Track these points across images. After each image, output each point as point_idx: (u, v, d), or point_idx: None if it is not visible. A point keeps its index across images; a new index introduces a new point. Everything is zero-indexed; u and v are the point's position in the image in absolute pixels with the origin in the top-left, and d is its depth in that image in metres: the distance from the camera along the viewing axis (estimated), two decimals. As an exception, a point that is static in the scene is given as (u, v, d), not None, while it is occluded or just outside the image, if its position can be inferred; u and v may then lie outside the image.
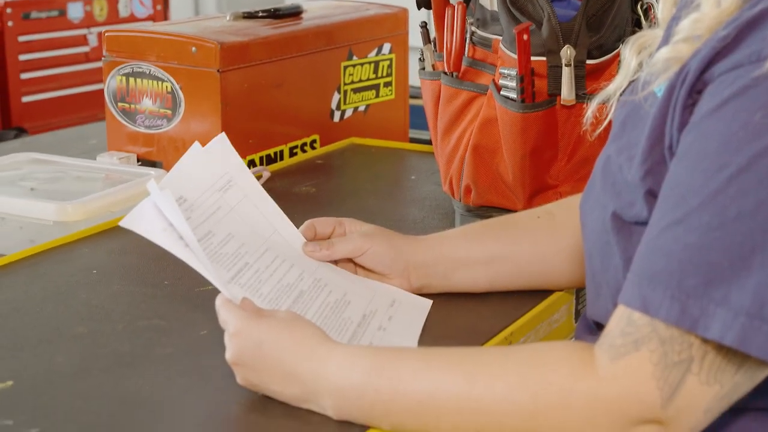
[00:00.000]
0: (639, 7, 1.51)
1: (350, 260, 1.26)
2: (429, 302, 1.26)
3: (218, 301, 1.07)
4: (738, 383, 0.89)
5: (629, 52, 1.06)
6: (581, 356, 0.93)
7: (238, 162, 1.23)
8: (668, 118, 0.93)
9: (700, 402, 0.89)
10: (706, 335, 0.86)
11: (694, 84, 0.91)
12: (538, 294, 1.30)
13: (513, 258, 1.26)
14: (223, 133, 1.22)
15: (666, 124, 0.93)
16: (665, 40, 0.99)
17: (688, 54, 0.93)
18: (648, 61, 1.02)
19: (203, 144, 1.22)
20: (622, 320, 0.91)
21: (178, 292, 1.30)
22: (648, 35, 1.06)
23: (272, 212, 1.25)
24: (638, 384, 0.89)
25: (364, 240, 1.25)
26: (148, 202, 1.08)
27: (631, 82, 1.06)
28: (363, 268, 1.27)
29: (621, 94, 1.07)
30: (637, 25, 1.52)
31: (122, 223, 1.07)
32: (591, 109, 1.13)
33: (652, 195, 0.94)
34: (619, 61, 1.12)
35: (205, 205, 1.16)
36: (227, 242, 1.16)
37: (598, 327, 1.07)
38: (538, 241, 1.25)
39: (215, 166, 1.20)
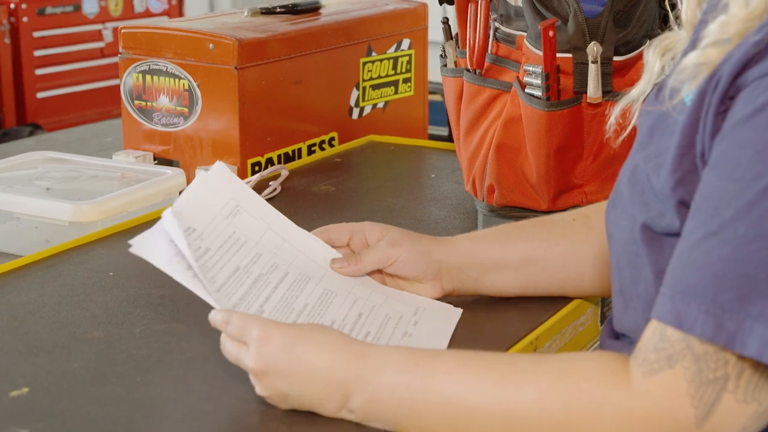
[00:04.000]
0: (666, 2, 1.48)
1: (379, 270, 1.23)
2: (459, 311, 1.23)
3: (221, 316, 1.04)
4: None
5: (652, 55, 1.04)
6: (614, 368, 0.91)
7: (241, 186, 1.21)
8: (699, 126, 0.90)
9: (737, 420, 0.86)
10: (744, 352, 0.83)
11: (726, 90, 0.88)
12: (563, 297, 1.28)
13: (547, 261, 1.23)
14: (220, 162, 1.19)
15: (697, 132, 0.90)
16: (692, 45, 0.96)
17: (718, 59, 0.90)
18: (671, 64, 0.99)
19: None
20: (655, 335, 0.89)
21: (196, 295, 1.27)
22: (671, 37, 1.04)
23: (288, 229, 1.23)
24: (672, 402, 0.87)
25: (393, 248, 1.22)
26: (158, 229, 1.07)
27: (655, 85, 1.03)
28: (392, 276, 1.24)
29: (645, 99, 1.04)
30: (665, 21, 1.49)
31: (132, 250, 1.07)
32: (614, 114, 1.11)
33: (683, 205, 0.91)
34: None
35: (215, 232, 1.15)
36: (246, 270, 1.15)
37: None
38: (572, 245, 1.22)
39: (219, 193, 1.18)
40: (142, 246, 1.07)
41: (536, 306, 1.26)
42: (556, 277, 1.23)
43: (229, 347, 1.04)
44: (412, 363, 0.97)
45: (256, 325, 1.01)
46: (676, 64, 0.99)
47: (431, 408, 0.95)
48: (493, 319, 1.23)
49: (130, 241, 1.07)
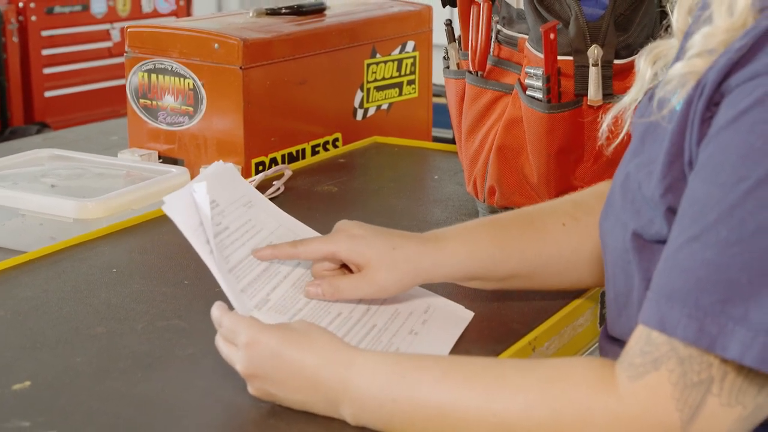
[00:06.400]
0: (668, 6, 1.48)
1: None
2: (470, 314, 1.23)
3: (217, 311, 1.05)
4: (761, 404, 0.87)
5: (644, 63, 1.04)
6: (602, 373, 0.91)
7: (251, 188, 1.22)
8: (687, 133, 0.91)
9: (722, 424, 0.87)
10: (725, 355, 0.84)
11: (711, 96, 0.89)
12: (563, 298, 1.29)
13: (533, 275, 1.21)
14: (231, 163, 1.20)
15: (685, 139, 0.91)
16: (680, 54, 0.97)
17: (704, 68, 0.91)
18: (663, 71, 1.00)
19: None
20: (641, 339, 0.89)
21: (199, 292, 1.29)
22: (662, 45, 1.04)
23: (300, 228, 1.24)
24: (657, 405, 0.87)
25: (370, 284, 1.15)
26: (187, 192, 1.08)
27: (647, 91, 1.04)
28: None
29: (637, 106, 1.05)
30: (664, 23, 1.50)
31: (163, 207, 1.06)
32: (606, 122, 1.11)
33: (672, 212, 0.92)
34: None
35: (235, 214, 1.16)
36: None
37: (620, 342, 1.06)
38: (562, 254, 1.20)
39: (235, 184, 1.19)
40: (173, 206, 1.07)
41: (535, 306, 1.27)
42: (543, 284, 1.23)
43: (221, 347, 1.05)
44: (398, 375, 0.97)
45: (244, 330, 1.01)
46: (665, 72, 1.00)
47: (421, 420, 0.96)
48: (491, 319, 1.24)
49: (164, 198, 1.07)
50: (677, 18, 1.03)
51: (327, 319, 1.13)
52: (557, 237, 1.20)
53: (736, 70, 0.87)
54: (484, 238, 1.18)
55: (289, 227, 1.22)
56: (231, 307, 1.07)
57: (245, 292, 1.11)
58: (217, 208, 1.13)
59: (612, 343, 1.07)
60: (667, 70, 0.96)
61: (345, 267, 1.18)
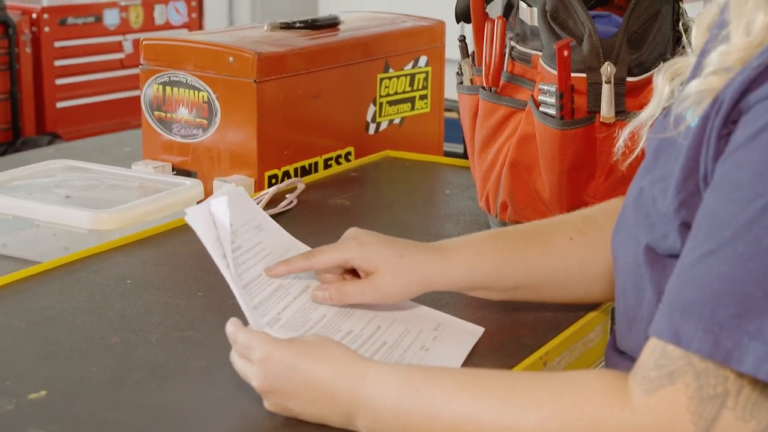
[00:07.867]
0: (681, 25, 1.49)
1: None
2: (480, 330, 1.24)
3: (231, 327, 1.06)
4: None
5: (662, 80, 1.05)
6: (615, 387, 0.92)
7: (261, 211, 1.23)
8: (703, 149, 0.92)
9: None
10: (740, 369, 0.84)
11: (729, 113, 0.90)
12: (574, 313, 1.29)
13: (538, 287, 1.22)
14: (242, 187, 1.21)
15: (701, 155, 0.92)
16: (696, 72, 0.98)
17: (720, 85, 0.92)
18: (680, 88, 1.01)
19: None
20: (656, 352, 0.89)
21: (212, 304, 1.30)
22: (681, 62, 1.05)
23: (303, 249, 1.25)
24: (672, 418, 0.88)
25: (376, 289, 1.17)
26: (206, 207, 1.10)
27: (664, 109, 1.04)
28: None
29: (654, 122, 1.06)
30: (678, 44, 1.50)
31: (186, 218, 1.09)
32: (623, 137, 1.12)
33: (686, 227, 0.93)
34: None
35: (246, 235, 1.17)
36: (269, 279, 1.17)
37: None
38: (568, 269, 1.21)
39: (247, 207, 1.21)
40: (195, 217, 1.09)
41: (546, 321, 1.27)
42: (541, 296, 1.24)
43: (237, 363, 1.06)
44: (412, 389, 0.98)
45: (258, 346, 1.02)
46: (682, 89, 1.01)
47: None
48: (502, 333, 1.24)
49: (186, 209, 1.09)
50: (696, 34, 1.04)
51: (338, 336, 1.14)
52: (563, 251, 1.22)
53: (753, 88, 0.88)
54: (490, 250, 1.21)
55: (298, 251, 1.24)
56: (245, 322, 1.08)
57: (257, 309, 1.12)
58: (231, 227, 1.14)
59: (619, 356, 1.08)
60: (684, 87, 0.97)
61: (354, 274, 1.20)
